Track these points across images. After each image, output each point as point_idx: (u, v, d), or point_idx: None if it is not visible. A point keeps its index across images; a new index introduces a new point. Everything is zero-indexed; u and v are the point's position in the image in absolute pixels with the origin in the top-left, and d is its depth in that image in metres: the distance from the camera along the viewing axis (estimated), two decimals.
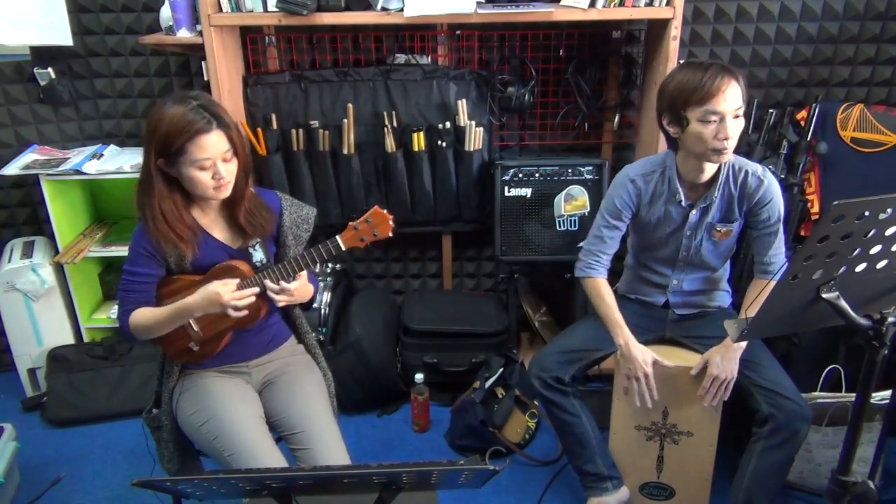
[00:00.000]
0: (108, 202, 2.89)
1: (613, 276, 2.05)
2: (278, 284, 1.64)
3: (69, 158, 2.59)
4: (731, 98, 1.69)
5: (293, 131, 2.58)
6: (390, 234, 1.66)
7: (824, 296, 1.21)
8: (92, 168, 2.52)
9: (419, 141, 2.59)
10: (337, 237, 1.65)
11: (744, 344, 1.85)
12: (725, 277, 2.06)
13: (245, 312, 1.61)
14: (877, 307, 1.23)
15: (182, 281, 1.68)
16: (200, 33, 2.33)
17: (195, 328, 1.68)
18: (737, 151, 1.91)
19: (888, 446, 1.83)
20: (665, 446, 2.03)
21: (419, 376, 2.50)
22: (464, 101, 2.58)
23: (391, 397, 2.64)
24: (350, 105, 2.56)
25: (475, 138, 2.60)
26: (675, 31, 2.28)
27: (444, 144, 2.60)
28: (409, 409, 2.55)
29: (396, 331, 2.70)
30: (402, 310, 2.75)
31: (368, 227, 1.65)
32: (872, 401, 1.91)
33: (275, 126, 2.59)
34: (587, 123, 2.72)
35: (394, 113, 2.59)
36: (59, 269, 2.66)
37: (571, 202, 2.60)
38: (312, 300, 1.82)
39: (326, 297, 2.65)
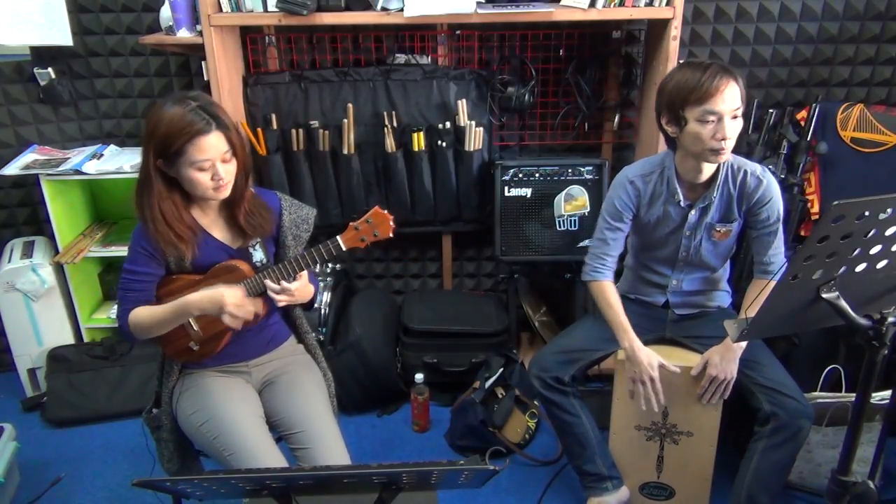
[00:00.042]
0: (108, 202, 2.89)
1: (614, 277, 2.05)
2: (279, 284, 1.64)
3: (69, 158, 2.59)
4: (729, 98, 1.69)
5: (293, 131, 2.58)
6: (391, 235, 1.67)
7: (824, 296, 1.21)
8: (92, 168, 2.52)
9: (419, 141, 2.59)
10: (337, 237, 1.65)
11: (743, 344, 1.85)
12: (725, 277, 2.06)
13: (238, 325, 1.62)
14: (877, 307, 1.23)
15: (182, 280, 1.68)
16: (200, 33, 2.33)
17: (195, 328, 1.68)
18: (737, 152, 1.91)
19: (888, 446, 1.83)
20: (665, 446, 2.03)
21: (419, 376, 2.50)
22: (464, 101, 2.58)
23: (391, 397, 2.64)
24: (350, 105, 2.56)
25: (475, 138, 2.61)
26: (675, 31, 2.28)
27: (444, 144, 2.60)
28: (409, 409, 2.55)
29: (396, 331, 2.70)
30: (402, 310, 2.75)
31: (369, 227, 1.65)
32: (872, 401, 1.91)
33: (275, 126, 2.59)
34: (587, 123, 2.72)
35: (394, 113, 2.59)
36: (59, 269, 2.66)
37: (571, 202, 2.60)
38: (313, 300, 1.82)
39: (326, 297, 2.65)
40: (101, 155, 2.63)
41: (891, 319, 1.21)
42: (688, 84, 1.71)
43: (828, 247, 1.13)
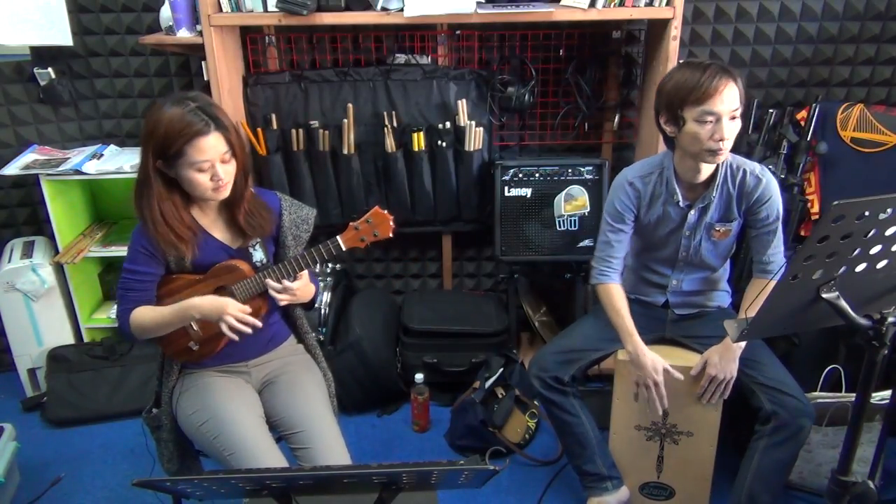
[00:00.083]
0: (108, 202, 2.89)
1: (621, 278, 2.05)
2: (280, 283, 1.64)
3: (69, 158, 2.60)
4: (728, 99, 1.69)
5: (293, 131, 2.58)
6: (391, 235, 1.67)
7: (824, 296, 1.21)
8: (92, 168, 2.52)
9: (419, 141, 2.59)
10: (337, 237, 1.65)
11: (742, 343, 1.85)
12: (725, 277, 2.07)
13: (236, 337, 1.62)
14: (877, 307, 1.23)
15: (182, 280, 1.68)
16: (200, 33, 2.33)
17: (195, 328, 1.68)
18: (737, 152, 1.91)
19: (888, 446, 1.82)
20: (665, 446, 2.03)
21: (419, 376, 2.50)
22: (464, 101, 2.58)
23: (391, 397, 2.64)
24: (350, 105, 2.56)
25: (475, 138, 2.61)
26: (675, 31, 2.28)
27: (444, 144, 2.60)
28: (409, 409, 2.55)
29: (396, 331, 2.70)
30: (402, 310, 2.75)
31: (369, 227, 1.65)
32: (872, 401, 1.91)
33: (275, 126, 2.59)
34: (587, 123, 2.72)
35: (394, 113, 2.59)
36: (59, 269, 2.66)
37: (571, 202, 2.60)
38: (315, 300, 1.82)
39: (326, 297, 2.65)
40: (101, 155, 2.63)
41: (891, 319, 1.21)
42: (687, 84, 1.71)
43: (828, 247, 1.13)
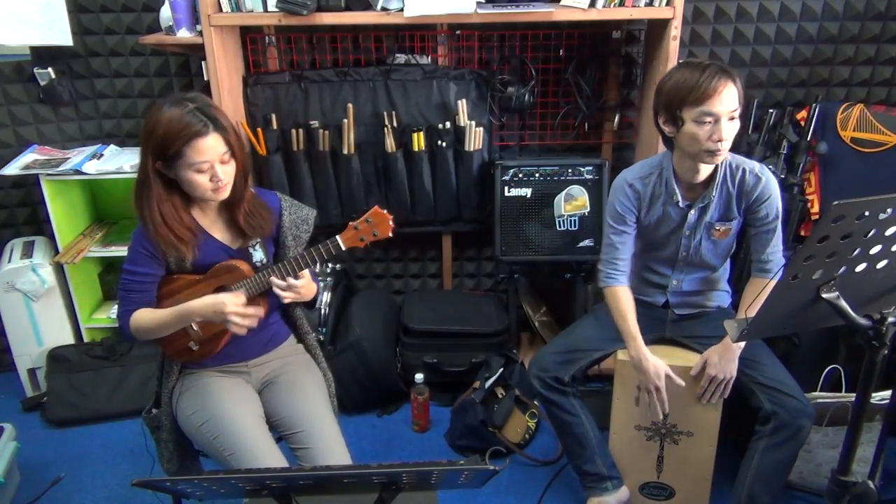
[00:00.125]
0: (108, 202, 2.89)
1: (629, 280, 2.04)
2: (285, 280, 1.64)
3: (69, 158, 2.60)
4: (726, 100, 1.69)
5: (293, 131, 2.58)
6: (390, 234, 1.67)
7: (824, 296, 1.21)
8: (92, 168, 2.52)
9: (419, 141, 2.59)
10: (337, 237, 1.65)
11: (742, 343, 1.85)
12: (725, 277, 2.06)
13: (244, 331, 1.61)
14: (877, 307, 1.23)
15: (182, 280, 1.68)
16: (200, 33, 2.33)
17: (195, 328, 1.68)
18: (737, 152, 1.91)
19: (888, 446, 1.82)
20: (665, 446, 2.03)
21: (419, 376, 2.50)
22: (464, 101, 2.58)
23: (391, 397, 2.64)
24: (350, 105, 2.56)
25: (475, 138, 2.60)
26: (675, 31, 2.28)
27: (444, 144, 2.60)
28: (409, 409, 2.55)
29: (396, 331, 2.70)
30: (402, 310, 2.75)
31: (368, 226, 1.65)
32: (872, 401, 1.91)
33: (275, 126, 2.59)
34: (587, 123, 2.72)
35: (394, 113, 2.59)
36: (59, 269, 2.66)
37: (571, 202, 2.60)
38: (316, 299, 1.82)
39: (326, 297, 2.64)
40: (101, 155, 2.63)
41: (891, 319, 1.21)
42: (686, 84, 1.70)
43: (828, 247, 1.13)
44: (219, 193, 1.61)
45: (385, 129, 2.58)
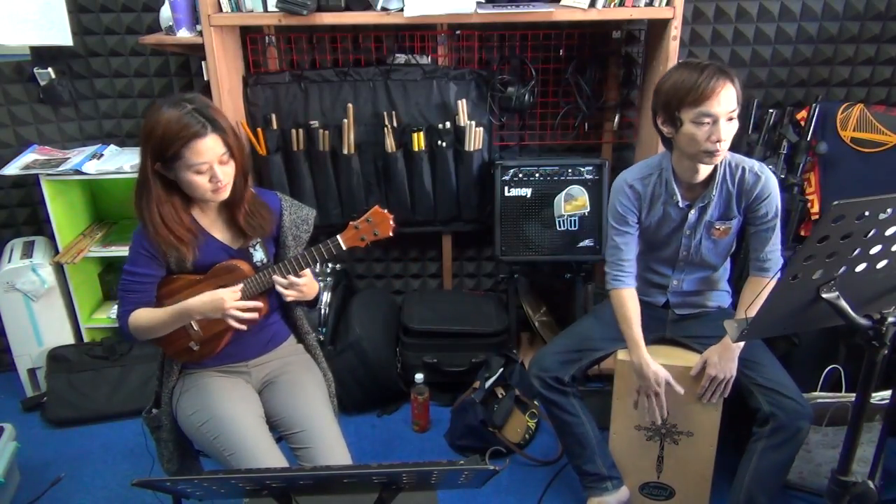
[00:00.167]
0: (108, 202, 2.89)
1: (636, 281, 2.04)
2: (286, 278, 1.64)
3: (69, 158, 2.60)
4: (725, 100, 1.68)
5: (293, 131, 2.58)
6: (391, 234, 1.67)
7: (824, 296, 1.21)
8: (92, 168, 2.52)
9: (419, 141, 2.59)
10: (338, 236, 1.65)
11: (742, 343, 1.85)
12: (725, 277, 2.06)
13: (244, 327, 1.61)
14: (877, 307, 1.23)
15: (182, 280, 1.68)
16: (200, 33, 2.33)
17: (195, 328, 1.69)
18: (737, 152, 1.91)
19: (888, 446, 1.83)
20: (665, 446, 2.03)
21: (419, 376, 2.50)
22: (464, 101, 2.58)
23: (391, 397, 2.64)
24: (350, 105, 2.56)
25: (475, 138, 2.61)
26: (675, 31, 2.28)
27: (444, 144, 2.60)
28: (409, 409, 2.55)
29: (396, 331, 2.70)
30: (402, 310, 2.75)
31: (369, 226, 1.65)
32: (872, 401, 1.91)
33: (275, 126, 2.59)
34: (587, 123, 2.72)
35: (394, 113, 2.59)
36: (59, 269, 2.66)
37: (571, 202, 2.60)
38: (317, 299, 1.82)
39: (326, 297, 2.64)
40: (101, 155, 2.63)
41: (891, 319, 1.21)
42: (684, 85, 1.70)
43: (828, 247, 1.13)
44: (218, 194, 1.61)
45: (385, 129, 2.58)
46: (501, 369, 2.50)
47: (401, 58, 2.62)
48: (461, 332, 2.62)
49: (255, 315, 1.62)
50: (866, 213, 1.10)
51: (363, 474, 1.21)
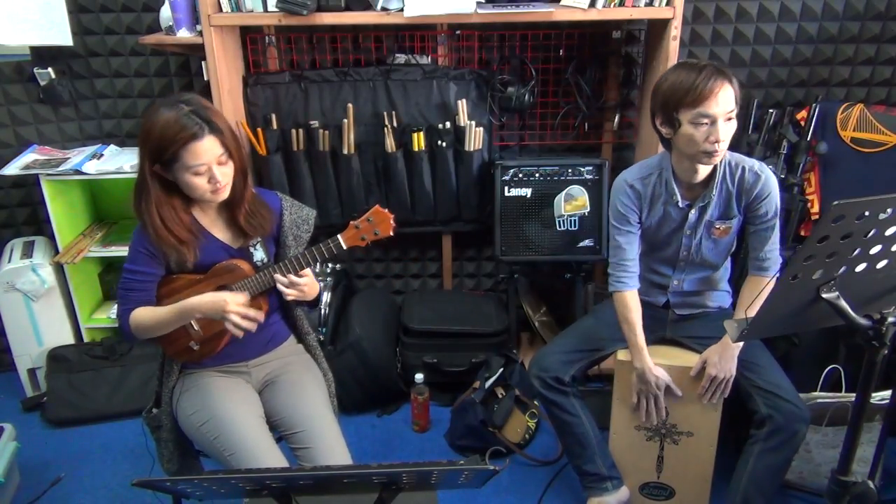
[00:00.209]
0: (108, 202, 2.89)
1: (639, 282, 2.03)
2: (286, 277, 1.64)
3: (69, 158, 2.60)
4: (723, 101, 1.68)
5: (293, 131, 2.58)
6: (391, 233, 1.67)
7: (824, 296, 1.21)
8: (92, 168, 2.52)
9: (419, 141, 2.59)
10: (338, 236, 1.65)
11: (741, 343, 1.85)
12: (725, 278, 2.06)
13: (240, 333, 1.61)
14: (877, 307, 1.23)
15: (183, 280, 1.68)
16: (200, 33, 2.33)
17: (195, 327, 1.69)
18: (738, 152, 1.91)
19: (888, 446, 1.83)
20: (665, 446, 2.03)
21: (419, 376, 2.50)
22: (464, 101, 2.58)
23: (391, 397, 2.64)
24: (350, 105, 2.56)
25: (475, 138, 2.61)
26: (675, 31, 2.28)
27: (444, 144, 2.60)
28: (409, 409, 2.55)
29: (396, 331, 2.70)
30: (402, 310, 2.75)
31: (369, 225, 1.65)
32: (872, 401, 1.91)
33: (275, 126, 2.59)
34: (587, 123, 2.72)
35: (394, 113, 2.59)
36: (59, 269, 2.66)
37: (571, 202, 2.60)
38: (318, 299, 1.82)
39: (326, 297, 2.64)
40: (101, 155, 2.63)
41: (891, 319, 1.21)
42: (682, 86, 1.70)
43: (828, 247, 1.13)
44: (218, 195, 1.61)
45: (385, 129, 2.58)
46: (501, 369, 2.50)
47: (401, 58, 2.62)
48: (461, 332, 2.62)
49: (252, 325, 1.62)
50: (866, 213, 1.10)
51: (363, 474, 1.21)
